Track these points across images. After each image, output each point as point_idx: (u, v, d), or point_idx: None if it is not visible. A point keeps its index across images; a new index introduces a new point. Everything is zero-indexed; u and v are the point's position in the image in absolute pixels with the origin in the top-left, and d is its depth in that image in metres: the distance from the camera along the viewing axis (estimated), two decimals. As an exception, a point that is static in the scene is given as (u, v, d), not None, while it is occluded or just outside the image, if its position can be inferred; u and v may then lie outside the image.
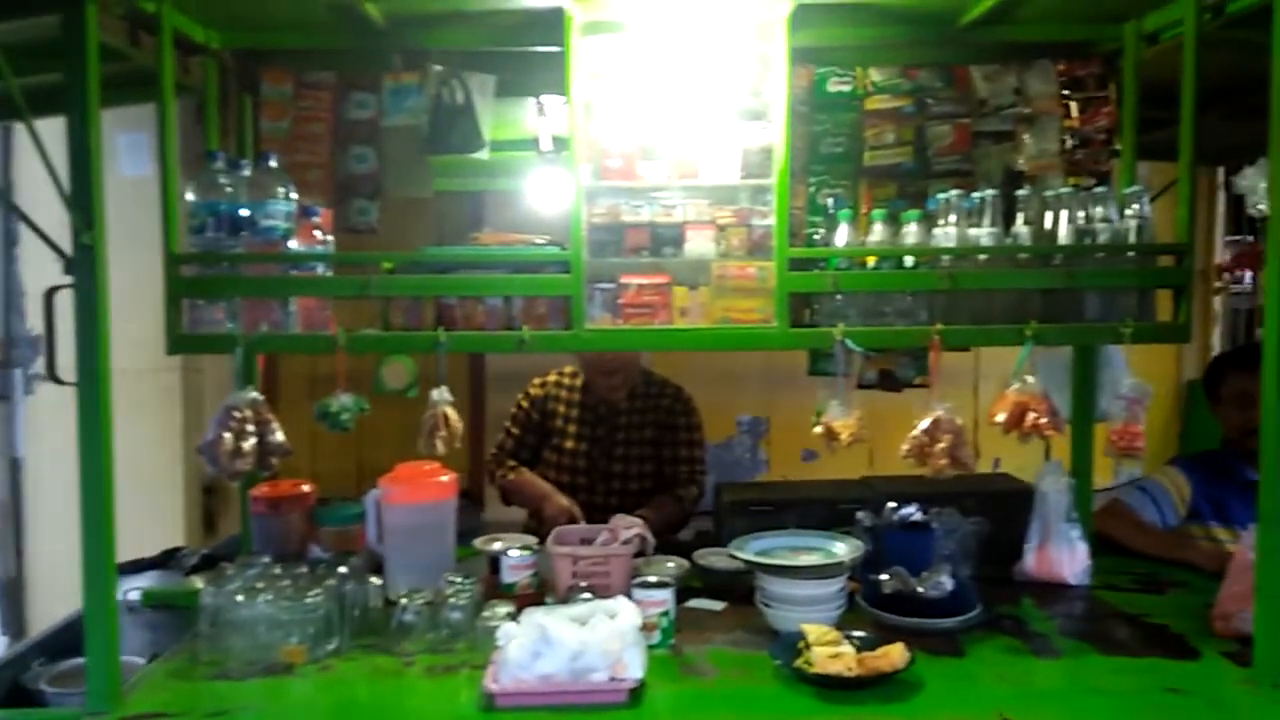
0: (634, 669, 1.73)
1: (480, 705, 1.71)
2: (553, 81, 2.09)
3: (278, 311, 2.00)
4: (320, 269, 2.06)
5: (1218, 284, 6.07)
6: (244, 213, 1.95)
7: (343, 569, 2.06)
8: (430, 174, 2.25)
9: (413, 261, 2.05)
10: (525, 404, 2.96)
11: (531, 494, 2.82)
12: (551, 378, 2.99)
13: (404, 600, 1.99)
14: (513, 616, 1.88)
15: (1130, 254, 2.05)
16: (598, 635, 1.74)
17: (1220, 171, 4.96)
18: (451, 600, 2.01)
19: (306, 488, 2.38)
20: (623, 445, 2.88)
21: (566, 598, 2.01)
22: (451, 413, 2.03)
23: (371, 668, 1.88)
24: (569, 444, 2.89)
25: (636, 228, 2.03)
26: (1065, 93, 2.28)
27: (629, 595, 1.94)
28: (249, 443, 1.94)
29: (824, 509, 2.49)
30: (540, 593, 2.21)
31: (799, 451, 5.34)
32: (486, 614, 1.97)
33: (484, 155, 2.21)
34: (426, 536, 2.24)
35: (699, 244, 2.03)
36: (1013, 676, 1.84)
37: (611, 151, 2.04)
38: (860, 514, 2.31)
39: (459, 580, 2.06)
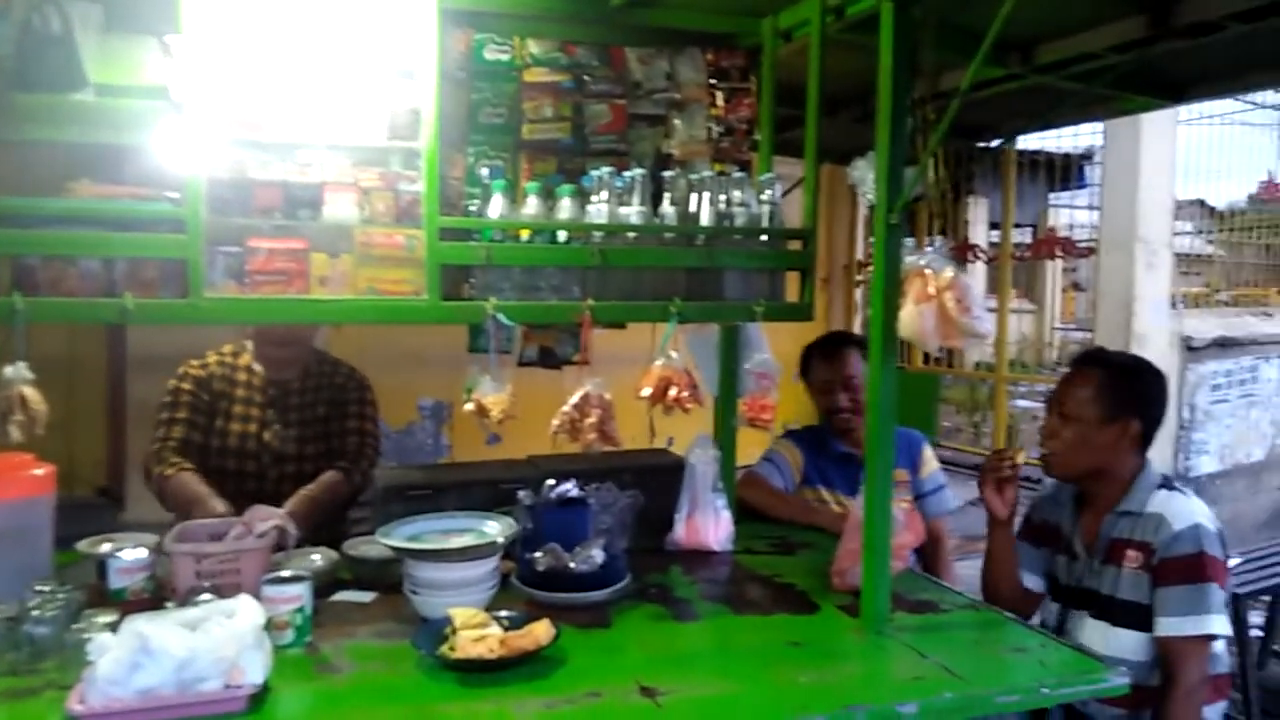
0: (253, 674, 1.57)
1: (64, 730, 1.47)
2: (172, 17, 1.82)
3: None
4: None
5: (859, 277, 6.85)
6: None
7: (-113, 585, 1.70)
8: (18, 113, 1.87)
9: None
10: (189, 386, 2.64)
11: (183, 498, 2.47)
12: (211, 358, 2.71)
13: (-29, 617, 1.68)
14: (113, 627, 1.64)
15: (763, 237, 2.18)
16: (209, 640, 1.55)
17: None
18: (35, 613, 1.72)
19: None
20: (296, 426, 2.68)
21: (185, 600, 1.80)
22: (31, 393, 1.71)
23: (-74, 700, 1.57)
24: (236, 426, 2.64)
25: (267, 186, 1.83)
26: (712, 82, 2.39)
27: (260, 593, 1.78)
28: None
29: (487, 490, 2.44)
30: (159, 598, 1.96)
31: (484, 436, 5.30)
32: (79, 626, 1.70)
33: (87, 96, 1.89)
34: (11, 541, 1.91)
35: (340, 208, 1.87)
36: (654, 643, 1.90)
37: (237, 100, 1.82)
38: (521, 493, 2.28)
39: (46, 589, 1.77)
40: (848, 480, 2.77)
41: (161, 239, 1.78)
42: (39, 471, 1.97)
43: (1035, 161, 6.51)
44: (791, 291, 2.29)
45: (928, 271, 1.85)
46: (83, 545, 2.14)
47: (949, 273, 1.83)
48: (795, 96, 2.38)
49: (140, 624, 1.55)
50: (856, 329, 7.09)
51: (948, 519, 2.97)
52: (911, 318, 1.84)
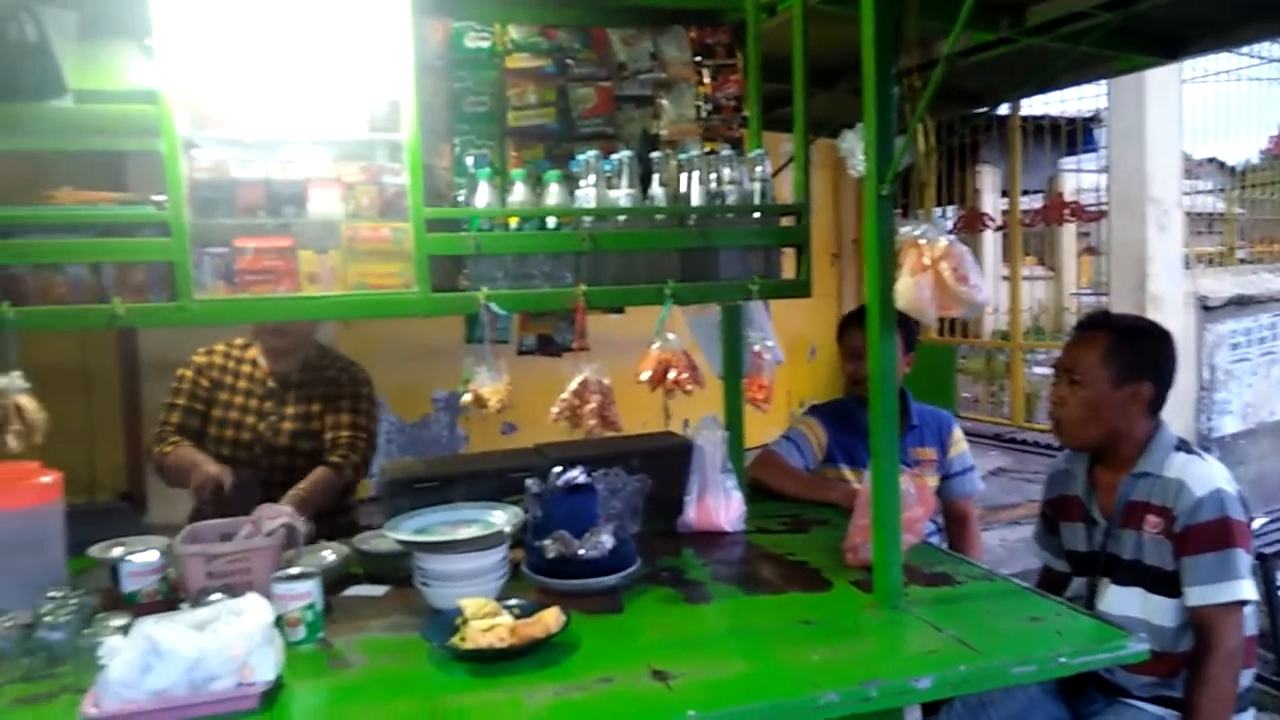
0: (264, 671, 1.57)
1: (80, 734, 1.49)
2: (146, 20, 1.81)
3: None
4: None
5: (868, 251, 6.80)
6: None
7: (-97, 597, 1.72)
8: (-1, 123, 1.89)
9: (-34, 225, 1.72)
10: (190, 373, 2.76)
11: (182, 467, 2.59)
12: (220, 347, 2.81)
13: (-14, 625, 1.70)
14: (125, 630, 1.65)
15: (755, 214, 2.16)
16: (218, 640, 1.56)
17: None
18: (49, 619, 1.74)
19: None
20: (292, 419, 2.74)
21: (197, 601, 1.81)
22: (27, 402, 1.72)
23: (-54, 708, 1.58)
24: (234, 415, 2.73)
25: (249, 185, 1.82)
26: (698, 60, 2.36)
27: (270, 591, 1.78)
28: None
29: (494, 480, 2.45)
30: (172, 600, 1.97)
31: (499, 426, 5.31)
32: (91, 630, 1.72)
33: (67, 103, 1.89)
34: (23, 549, 1.93)
35: (324, 203, 1.86)
36: (666, 626, 1.89)
37: (216, 99, 1.81)
38: (529, 481, 2.28)
39: (59, 595, 1.79)
40: None
41: (147, 243, 1.78)
42: (46, 479, 1.98)
43: (1041, 127, 6.42)
44: (789, 268, 2.27)
45: (922, 242, 1.83)
46: (95, 550, 2.16)
47: (943, 242, 1.80)
48: (786, 71, 2.35)
49: (149, 626, 1.56)
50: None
51: (975, 499, 2.95)
52: (908, 289, 1.81)
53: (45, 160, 2.14)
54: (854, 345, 2.79)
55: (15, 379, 1.72)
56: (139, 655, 1.52)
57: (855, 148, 1.88)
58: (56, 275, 1.73)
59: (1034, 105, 6.50)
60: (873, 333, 1.88)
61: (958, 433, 2.91)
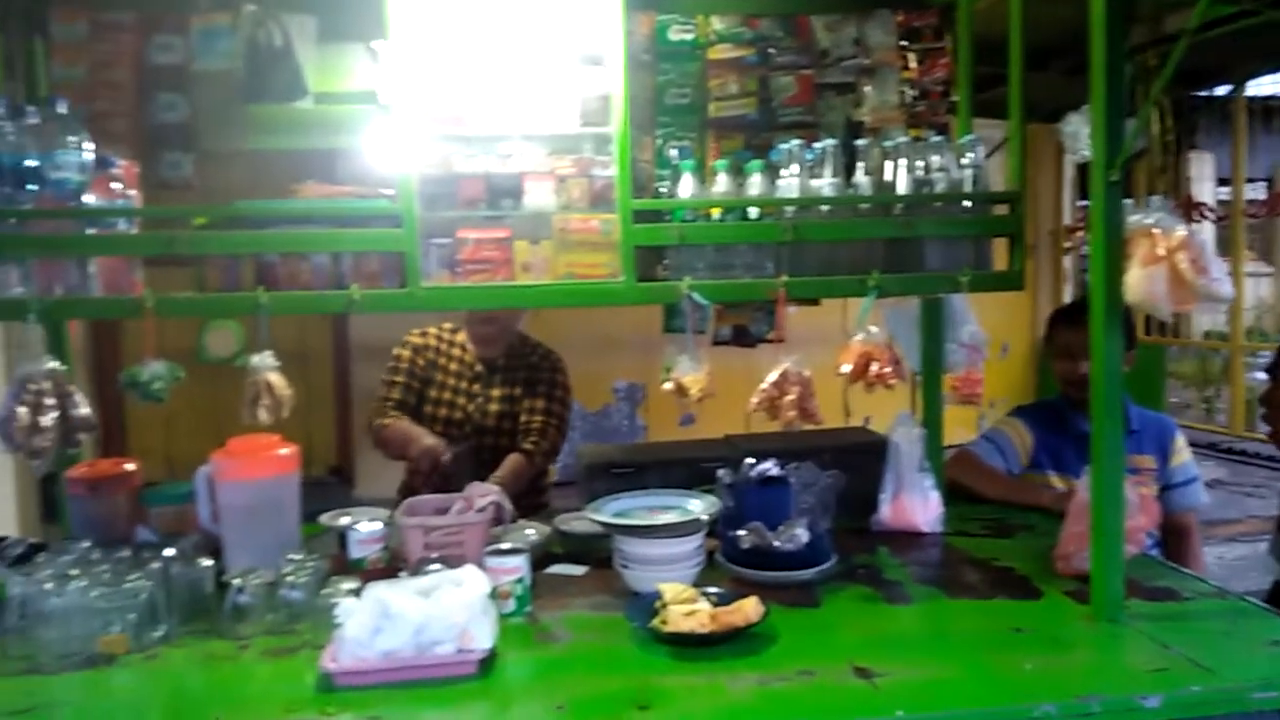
0: (482, 639, 1.66)
1: (319, 686, 1.61)
2: (378, 24, 1.95)
3: (74, 273, 1.82)
4: (123, 226, 1.89)
5: (1067, 244, 6.40)
6: (31, 164, 1.76)
7: (169, 551, 1.91)
8: (249, 123, 2.08)
9: (228, 217, 1.90)
10: (408, 352, 2.93)
11: (402, 439, 2.76)
12: (432, 330, 2.98)
13: (237, 581, 1.87)
14: (356, 593, 1.78)
15: (966, 203, 2.08)
16: (442, 607, 1.66)
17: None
18: (290, 579, 1.90)
19: (130, 466, 2.21)
20: (497, 401, 2.88)
21: (416, 570, 1.93)
22: (276, 379, 1.89)
23: (204, 654, 1.76)
24: (446, 395, 2.89)
25: (471, 179, 1.93)
26: (904, 44, 2.29)
27: (483, 564, 1.88)
28: (48, 418, 1.77)
29: (686, 469, 2.49)
30: (392, 567, 2.11)
31: (678, 416, 5.37)
32: (327, 591, 1.86)
33: (308, 104, 2.07)
34: (266, 514, 2.10)
35: (538, 196, 1.95)
36: (865, 624, 1.86)
37: (440, 97, 1.93)
38: (721, 472, 2.29)
39: (298, 558, 1.95)
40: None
41: (383, 234, 1.92)
42: (286, 451, 2.16)
43: (1270, 109, 5.84)
44: (999, 260, 2.17)
45: (1156, 231, 1.70)
46: (324, 519, 2.34)
47: (1180, 231, 1.67)
48: (993, 53, 2.24)
49: (380, 590, 1.67)
50: (1066, 300, 6.64)
51: (1198, 513, 2.73)
52: (1140, 281, 1.69)
53: (276, 157, 2.34)
54: (1066, 343, 2.64)
55: (267, 358, 1.90)
56: (371, 617, 1.63)
57: (1080, 131, 1.77)
58: (302, 264, 1.89)
59: (1260, 85, 5.92)
60: (1097, 328, 1.76)
61: (1180, 441, 2.70)
